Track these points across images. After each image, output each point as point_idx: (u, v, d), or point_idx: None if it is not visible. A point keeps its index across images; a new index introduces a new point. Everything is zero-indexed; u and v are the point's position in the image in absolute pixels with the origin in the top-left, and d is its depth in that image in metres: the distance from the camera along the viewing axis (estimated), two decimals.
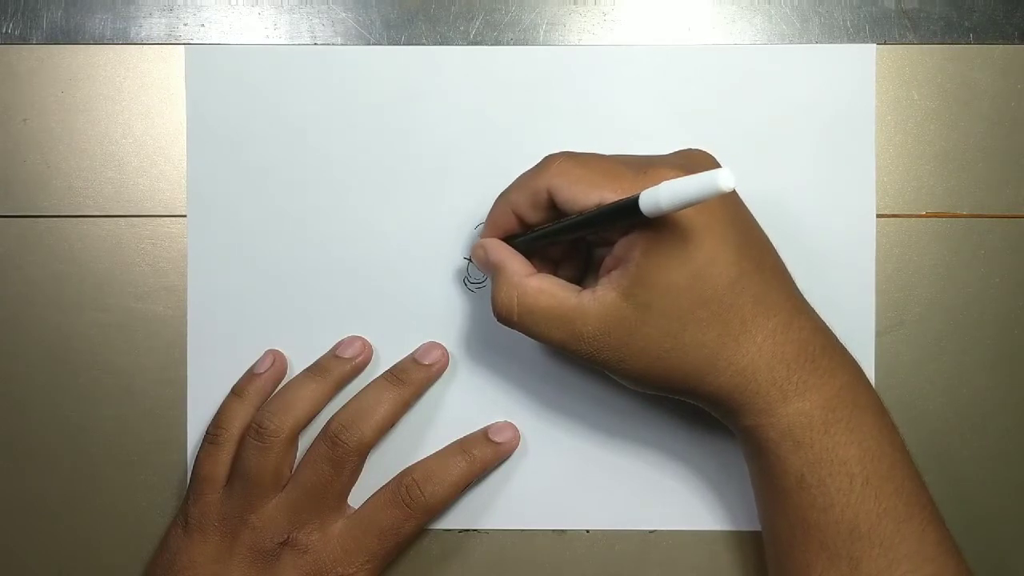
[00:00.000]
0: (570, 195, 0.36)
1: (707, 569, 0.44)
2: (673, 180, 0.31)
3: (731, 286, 0.35)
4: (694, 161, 0.38)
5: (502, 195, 0.40)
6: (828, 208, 0.44)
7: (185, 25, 0.45)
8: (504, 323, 0.38)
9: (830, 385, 0.36)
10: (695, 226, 0.35)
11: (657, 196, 0.31)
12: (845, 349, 0.38)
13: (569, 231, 0.37)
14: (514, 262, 0.38)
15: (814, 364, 0.36)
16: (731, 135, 0.44)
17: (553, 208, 0.38)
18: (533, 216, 0.38)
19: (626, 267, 0.36)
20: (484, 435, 0.44)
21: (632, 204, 0.32)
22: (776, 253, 0.38)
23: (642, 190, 0.32)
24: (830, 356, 0.37)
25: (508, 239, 0.40)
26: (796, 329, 0.36)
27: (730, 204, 0.37)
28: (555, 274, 0.40)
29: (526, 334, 0.38)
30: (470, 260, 0.44)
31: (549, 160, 0.38)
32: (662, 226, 0.35)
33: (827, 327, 0.38)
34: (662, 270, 0.35)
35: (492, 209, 0.40)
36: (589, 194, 0.36)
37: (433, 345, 0.44)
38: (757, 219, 0.38)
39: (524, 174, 0.39)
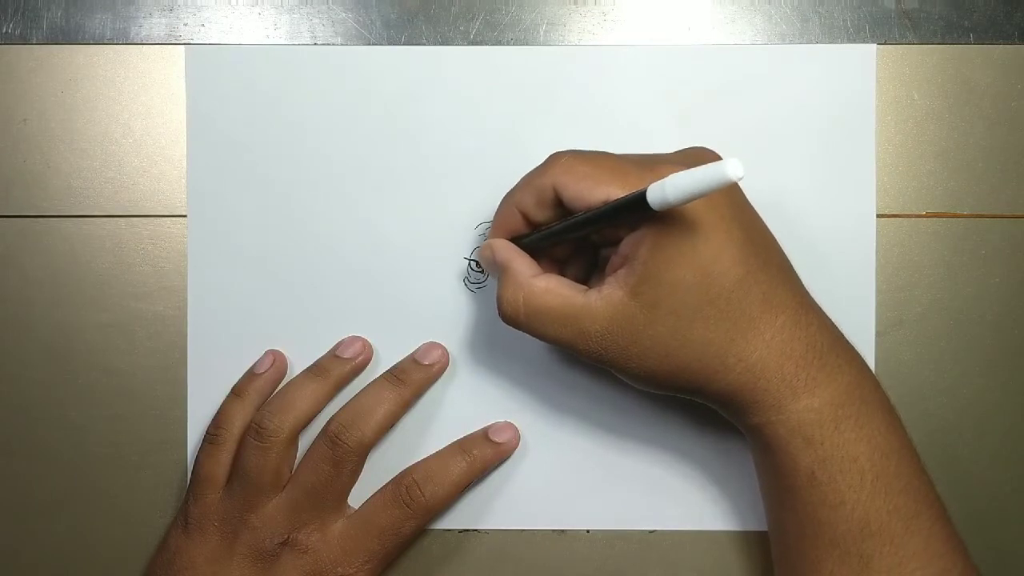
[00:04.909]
0: (576, 192, 0.36)
1: (707, 569, 0.44)
2: (681, 172, 0.31)
3: (738, 283, 0.35)
4: (699, 158, 0.37)
5: (508, 195, 0.39)
6: (828, 208, 0.44)
7: (185, 25, 0.45)
8: (510, 324, 0.38)
9: (839, 382, 0.36)
10: (702, 223, 0.35)
11: (664, 189, 0.31)
12: (852, 346, 0.38)
13: (576, 229, 0.37)
14: (520, 262, 0.38)
15: (822, 361, 0.36)
16: (731, 135, 0.44)
17: (559, 207, 0.38)
18: (539, 215, 0.38)
19: (633, 265, 0.36)
20: (484, 435, 0.44)
21: (639, 198, 0.32)
22: (782, 251, 0.38)
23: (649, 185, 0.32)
24: (838, 353, 0.37)
25: (515, 239, 0.40)
26: (804, 326, 0.36)
27: (736, 202, 0.37)
28: (561, 274, 0.40)
29: (532, 335, 0.38)
30: (471, 260, 0.44)
31: (554, 158, 0.38)
32: (669, 224, 0.35)
33: (834, 324, 0.38)
34: (669, 268, 0.35)
35: (498, 209, 0.40)
36: (595, 191, 0.36)
37: (433, 345, 0.44)
38: None
39: (529, 173, 0.39)
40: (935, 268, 0.44)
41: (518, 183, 0.39)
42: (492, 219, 0.41)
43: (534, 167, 0.39)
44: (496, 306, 0.39)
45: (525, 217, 0.39)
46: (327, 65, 0.44)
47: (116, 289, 0.45)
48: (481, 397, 0.45)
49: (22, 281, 0.44)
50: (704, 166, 0.30)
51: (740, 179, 0.30)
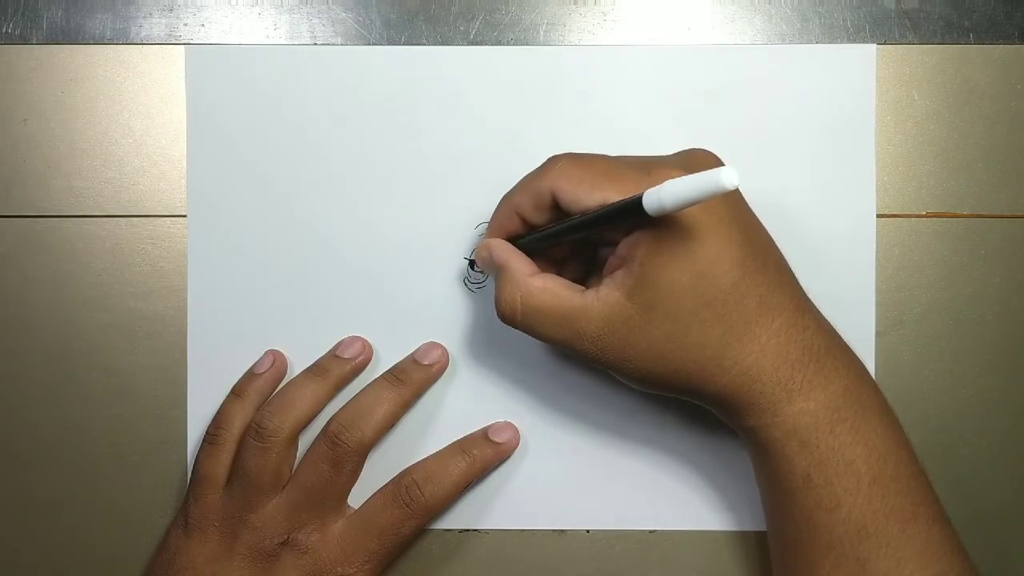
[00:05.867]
0: (573, 196, 0.36)
1: (707, 569, 0.44)
2: (676, 179, 0.31)
3: (735, 286, 0.35)
4: (697, 161, 0.38)
5: (506, 196, 0.40)
6: (828, 208, 0.44)
7: (185, 25, 0.45)
8: (507, 323, 0.38)
9: (835, 385, 0.36)
10: (699, 226, 0.35)
11: (660, 195, 0.31)
12: (849, 348, 0.38)
13: (573, 231, 0.37)
14: (518, 262, 0.38)
15: (819, 364, 0.36)
16: (731, 135, 0.44)
17: (556, 209, 0.38)
18: (536, 217, 0.38)
19: (630, 267, 0.36)
20: (484, 435, 0.44)
21: (635, 203, 0.32)
22: (780, 253, 0.38)
23: (645, 190, 0.32)
24: (834, 355, 0.37)
25: (512, 240, 0.40)
26: (800, 329, 0.36)
27: (734, 204, 0.37)
28: (559, 274, 0.40)
29: (529, 334, 0.38)
30: (470, 260, 0.44)
31: (552, 161, 0.38)
32: (666, 226, 0.35)
33: (831, 326, 0.38)
34: (666, 270, 0.35)
35: (496, 210, 0.40)
36: (592, 195, 0.36)
37: (433, 345, 0.44)
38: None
39: (527, 176, 0.39)
40: (935, 268, 0.44)
41: (516, 185, 0.39)
42: (489, 220, 0.41)
43: (532, 169, 0.39)
44: (494, 305, 0.39)
45: (523, 219, 0.39)
46: (327, 65, 0.44)
47: (116, 289, 0.45)
48: (481, 397, 0.45)
49: (22, 281, 0.44)
50: (700, 174, 0.30)
51: (734, 187, 0.30)
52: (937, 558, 0.36)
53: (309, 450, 0.43)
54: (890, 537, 0.36)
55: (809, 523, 0.37)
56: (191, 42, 0.45)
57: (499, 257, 0.39)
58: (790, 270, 0.38)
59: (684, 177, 0.31)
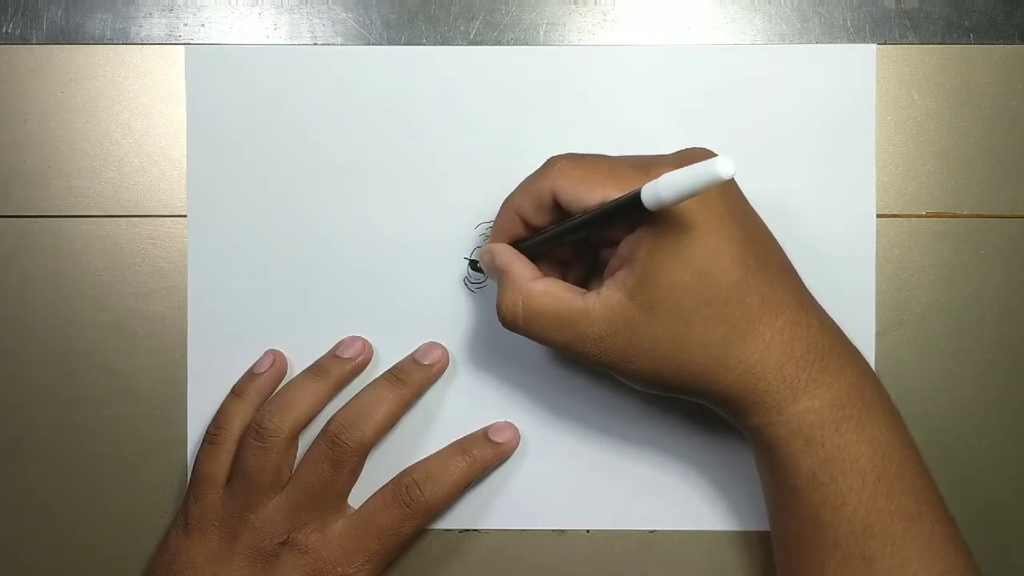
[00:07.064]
0: (573, 196, 0.36)
1: (707, 569, 0.44)
2: (673, 171, 0.31)
3: (737, 284, 0.35)
4: (696, 158, 0.37)
5: (507, 200, 0.40)
6: (828, 208, 0.44)
7: (185, 25, 0.45)
8: (510, 328, 0.38)
9: (840, 383, 0.36)
10: (700, 225, 0.35)
11: (657, 188, 0.32)
12: (853, 346, 0.38)
13: (574, 231, 0.37)
14: (519, 266, 0.38)
15: (823, 362, 0.36)
16: (731, 135, 0.44)
17: (557, 210, 0.38)
18: (538, 219, 0.38)
19: (631, 267, 0.36)
20: (484, 435, 0.44)
21: (634, 199, 0.33)
22: (782, 250, 0.38)
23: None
24: (839, 353, 0.37)
25: (515, 243, 0.40)
26: (804, 326, 0.36)
27: (735, 202, 0.37)
28: (563, 277, 0.40)
29: (531, 338, 0.38)
30: (471, 260, 0.44)
31: (551, 162, 0.38)
32: (667, 225, 0.35)
33: (835, 324, 0.38)
34: (667, 269, 0.35)
35: (498, 214, 0.40)
36: (592, 194, 0.36)
37: (433, 345, 0.44)
38: None
39: (527, 178, 0.39)
40: (935, 268, 0.44)
41: (516, 188, 0.39)
42: (492, 222, 0.41)
43: (532, 171, 0.39)
44: (496, 310, 0.39)
45: (524, 222, 0.39)
46: (327, 65, 0.44)
47: (116, 289, 0.45)
48: (481, 397, 0.45)
49: (22, 281, 0.44)
50: (696, 164, 0.30)
51: (731, 176, 0.30)
52: (941, 557, 0.36)
53: (309, 450, 0.43)
54: (895, 536, 0.36)
55: (815, 522, 0.37)
56: (191, 42, 0.45)
57: (501, 262, 0.39)
58: (792, 268, 0.38)
59: (680, 169, 0.31)
